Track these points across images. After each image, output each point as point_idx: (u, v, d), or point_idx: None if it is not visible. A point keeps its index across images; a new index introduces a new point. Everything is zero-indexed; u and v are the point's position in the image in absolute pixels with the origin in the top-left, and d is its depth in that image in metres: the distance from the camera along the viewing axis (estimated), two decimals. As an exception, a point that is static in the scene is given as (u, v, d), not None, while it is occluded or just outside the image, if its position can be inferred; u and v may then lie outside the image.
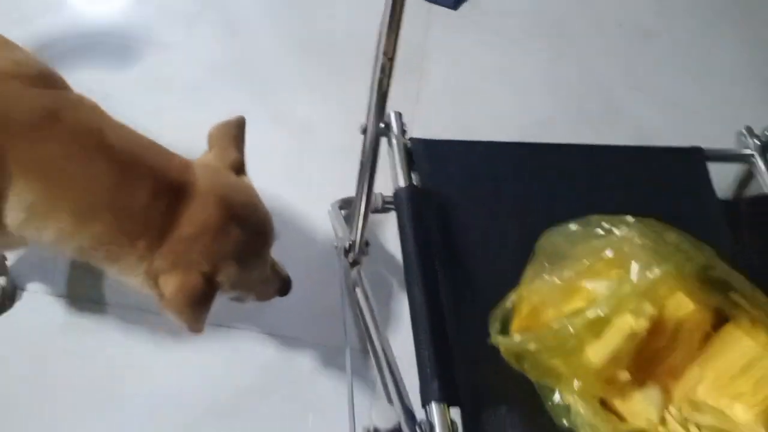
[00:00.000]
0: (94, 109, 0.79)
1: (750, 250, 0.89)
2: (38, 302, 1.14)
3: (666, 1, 1.90)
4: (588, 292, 0.67)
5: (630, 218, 0.73)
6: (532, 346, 0.69)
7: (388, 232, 1.32)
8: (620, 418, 0.69)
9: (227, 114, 0.90)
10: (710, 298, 0.73)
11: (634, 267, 0.68)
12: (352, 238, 0.99)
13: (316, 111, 1.50)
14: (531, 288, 0.71)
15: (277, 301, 1.15)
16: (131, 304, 1.14)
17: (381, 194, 0.95)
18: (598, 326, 0.67)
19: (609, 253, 0.70)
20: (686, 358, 0.74)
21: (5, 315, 1.12)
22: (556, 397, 0.70)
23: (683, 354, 0.74)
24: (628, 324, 0.67)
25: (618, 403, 0.70)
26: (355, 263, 1.00)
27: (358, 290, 0.95)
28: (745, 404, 0.70)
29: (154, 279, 0.77)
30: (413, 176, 0.82)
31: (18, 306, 1.13)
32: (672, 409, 0.70)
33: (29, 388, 1.06)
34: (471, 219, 0.80)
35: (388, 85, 0.77)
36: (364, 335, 0.92)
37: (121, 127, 0.79)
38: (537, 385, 0.71)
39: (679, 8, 1.88)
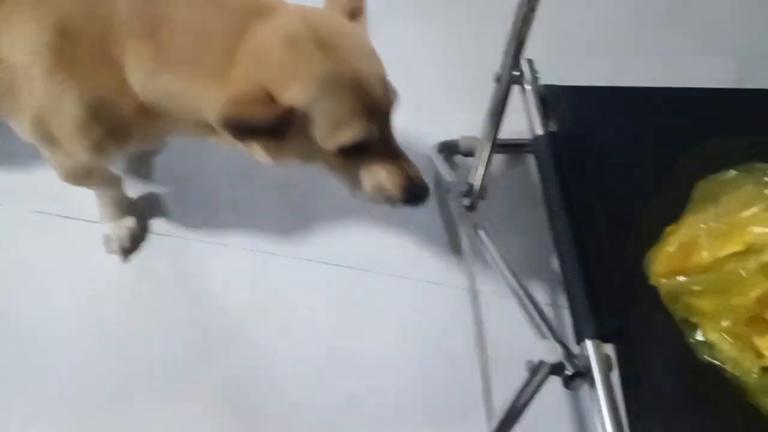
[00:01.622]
0: None
1: None
2: (163, 244, 1.22)
3: None
4: (753, 236, 0.69)
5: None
6: (696, 288, 0.72)
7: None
8: (759, 354, 0.73)
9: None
10: None
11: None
12: (472, 182, 1.02)
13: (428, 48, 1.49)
14: (688, 230, 0.73)
15: (404, 245, 1.18)
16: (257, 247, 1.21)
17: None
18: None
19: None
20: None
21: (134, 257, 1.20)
22: (699, 334, 0.74)
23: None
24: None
25: (758, 340, 0.73)
26: (472, 207, 1.03)
27: (481, 232, 0.99)
28: None
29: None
30: (550, 124, 0.84)
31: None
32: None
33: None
34: (614, 162, 0.82)
35: (526, 35, 0.78)
36: (496, 276, 0.95)
37: None
38: (680, 322, 0.74)
39: None
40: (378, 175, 0.77)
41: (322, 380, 1.09)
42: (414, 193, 0.77)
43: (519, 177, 1.39)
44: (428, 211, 1.29)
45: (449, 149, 1.28)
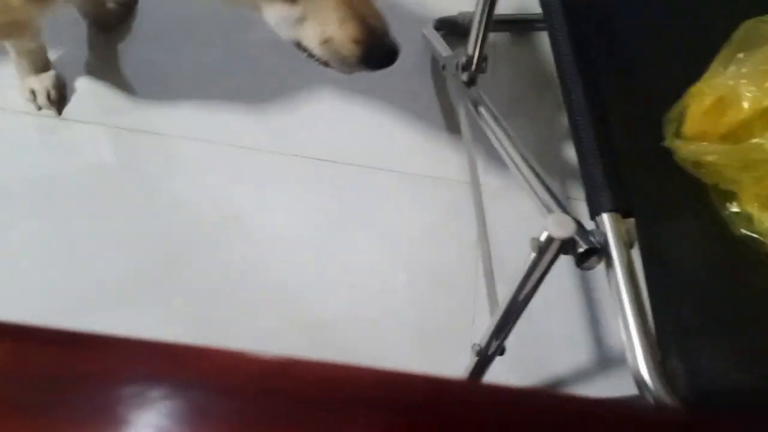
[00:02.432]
0: None
1: None
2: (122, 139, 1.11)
3: None
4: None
5: None
6: (710, 158, 0.62)
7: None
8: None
9: None
10: None
11: None
12: (469, 53, 0.90)
13: None
14: (715, 82, 0.62)
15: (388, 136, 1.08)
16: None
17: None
18: None
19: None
20: None
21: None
22: (734, 205, 0.63)
23: None
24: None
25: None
26: (471, 82, 0.91)
27: (482, 110, 0.87)
28: None
29: None
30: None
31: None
32: None
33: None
34: (636, 15, 0.69)
35: None
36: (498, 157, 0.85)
37: None
38: (713, 192, 0.64)
39: None
40: (325, 26, 0.61)
41: (302, 289, 1.01)
42: (375, 49, 0.61)
43: (527, 60, 1.27)
44: (424, 95, 1.17)
45: (448, 27, 1.15)
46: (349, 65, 0.63)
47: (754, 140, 0.57)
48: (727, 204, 0.64)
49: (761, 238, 0.62)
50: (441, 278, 1.04)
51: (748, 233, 0.62)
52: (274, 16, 0.63)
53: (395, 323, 1.01)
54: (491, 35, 0.95)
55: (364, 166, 1.09)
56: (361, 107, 1.17)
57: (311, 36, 0.62)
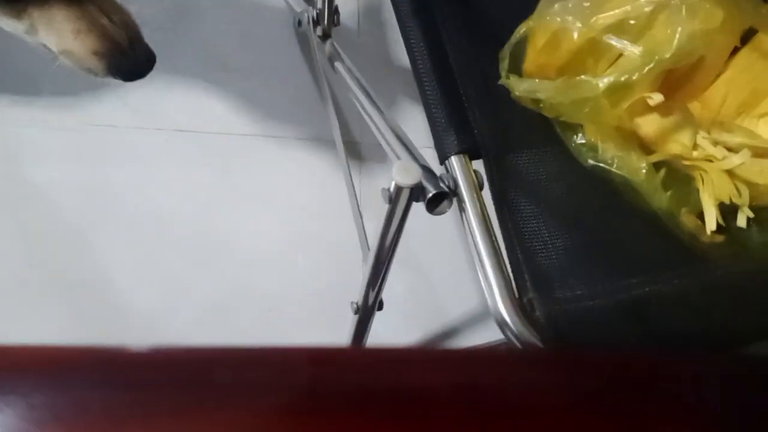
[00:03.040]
0: None
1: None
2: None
3: None
4: (622, 10, 0.57)
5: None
6: (542, 95, 0.62)
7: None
8: (649, 148, 0.65)
9: None
10: (739, 12, 0.65)
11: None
12: (319, 6, 0.86)
13: None
14: (544, 20, 0.61)
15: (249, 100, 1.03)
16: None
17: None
18: (623, 90, 0.58)
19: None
20: (711, 79, 0.68)
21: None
22: (580, 136, 0.64)
23: (708, 74, 0.68)
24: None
25: (647, 133, 0.65)
26: (326, 36, 0.88)
27: (337, 64, 0.84)
28: (771, 122, 0.67)
29: None
30: None
31: None
32: (701, 132, 0.66)
33: None
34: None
35: None
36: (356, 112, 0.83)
37: None
38: (558, 125, 0.65)
39: None
40: (60, 38, 0.55)
41: (192, 270, 0.96)
42: (120, 61, 0.57)
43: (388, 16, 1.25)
44: (294, 55, 1.13)
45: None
46: (98, 76, 0.59)
47: (580, 77, 0.58)
48: (573, 136, 0.64)
49: (607, 167, 0.63)
50: (334, 242, 1.02)
51: (595, 163, 0.63)
52: (6, 26, 0.57)
53: (293, 294, 0.98)
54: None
55: (241, 134, 1.04)
56: (226, 75, 1.11)
57: (52, 47, 0.57)
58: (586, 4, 0.58)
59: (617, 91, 0.56)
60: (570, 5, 0.58)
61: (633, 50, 0.56)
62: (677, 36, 0.55)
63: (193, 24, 1.13)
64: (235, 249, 0.99)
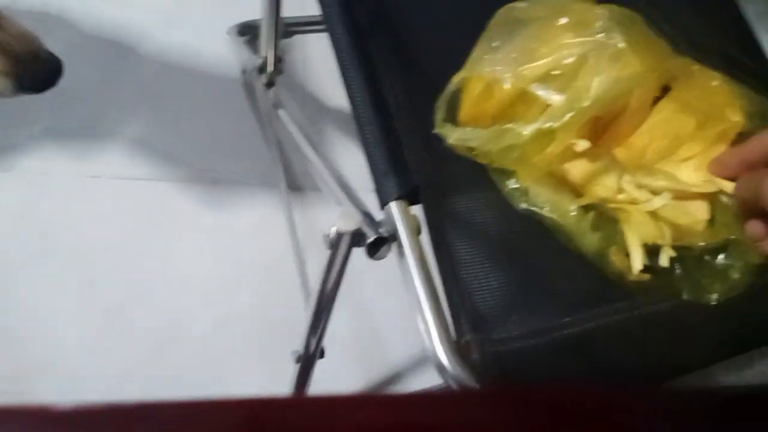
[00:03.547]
0: None
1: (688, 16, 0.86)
2: None
3: None
4: (552, 54, 0.61)
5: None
6: (473, 143, 0.64)
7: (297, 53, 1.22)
8: (578, 192, 0.68)
9: None
10: (659, 63, 0.70)
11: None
12: (263, 55, 0.88)
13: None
14: (476, 70, 0.64)
15: (194, 146, 1.04)
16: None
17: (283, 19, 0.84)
18: (548, 137, 0.62)
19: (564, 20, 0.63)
20: (634, 126, 0.72)
21: None
22: (512, 181, 0.67)
23: (631, 122, 0.72)
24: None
25: (575, 177, 0.68)
26: (271, 83, 0.89)
27: (281, 112, 0.86)
28: (693, 167, 0.71)
29: None
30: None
31: None
32: (626, 176, 0.69)
33: None
34: (412, 7, 0.71)
35: None
36: (300, 158, 0.84)
37: None
38: (492, 171, 0.67)
39: None
40: None
41: (121, 312, 0.94)
42: (27, 77, 0.55)
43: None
44: (237, 100, 1.14)
45: (252, 31, 1.13)
46: (10, 95, 0.58)
47: (507, 125, 0.61)
48: (506, 181, 0.67)
49: (539, 210, 0.66)
50: (272, 283, 1.01)
51: (528, 207, 0.66)
52: None
53: (233, 340, 0.97)
54: (302, 37, 0.94)
55: (184, 180, 1.04)
56: (168, 120, 1.11)
57: None
58: (514, 56, 0.61)
59: (541, 138, 0.59)
60: (499, 56, 0.61)
61: (556, 99, 0.60)
62: (596, 85, 0.58)
63: (132, 67, 1.13)
64: (173, 293, 0.98)
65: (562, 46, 0.61)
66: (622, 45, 0.61)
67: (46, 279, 0.93)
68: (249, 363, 0.95)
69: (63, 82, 1.10)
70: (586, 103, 0.58)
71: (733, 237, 0.65)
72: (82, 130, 1.06)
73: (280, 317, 0.98)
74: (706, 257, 0.66)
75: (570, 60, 0.62)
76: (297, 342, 0.75)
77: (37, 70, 0.58)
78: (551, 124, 0.58)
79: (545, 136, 0.59)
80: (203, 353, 0.93)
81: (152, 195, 1.02)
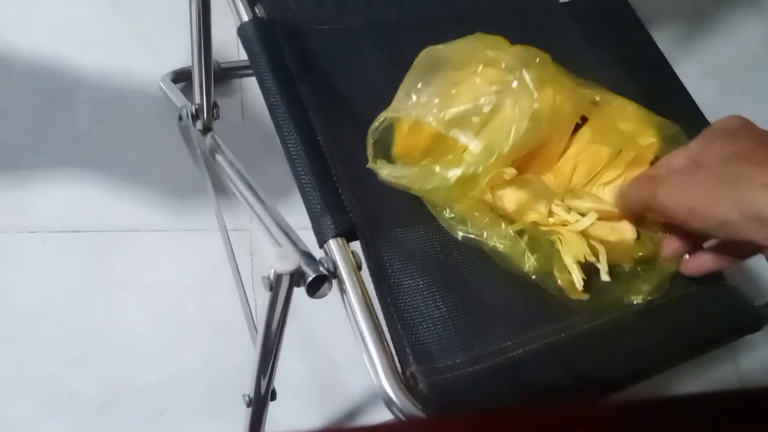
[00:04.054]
0: None
1: (597, 47, 0.91)
2: None
3: None
4: (471, 95, 0.64)
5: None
6: (402, 181, 0.66)
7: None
8: (512, 218, 0.70)
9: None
10: (572, 94, 0.74)
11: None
12: (198, 102, 0.88)
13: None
14: (404, 107, 0.67)
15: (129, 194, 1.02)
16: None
17: (217, 61, 0.85)
18: (473, 180, 0.64)
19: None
20: (559, 153, 0.76)
21: None
22: (448, 211, 0.69)
23: (556, 150, 0.75)
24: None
25: (508, 204, 0.70)
26: (206, 129, 0.90)
27: (218, 156, 0.86)
28: (613, 190, 0.75)
29: None
30: (257, 9, 0.72)
31: None
32: (555, 200, 0.72)
33: None
34: (334, 44, 0.72)
35: None
36: (237, 202, 0.84)
37: None
38: (427, 203, 0.69)
39: None
40: None
41: (62, 370, 0.91)
42: None
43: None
44: (173, 147, 1.13)
45: (185, 78, 1.13)
46: None
47: (433, 167, 0.63)
48: (443, 212, 0.68)
49: (477, 237, 0.68)
50: (222, 329, 1.00)
51: (465, 234, 0.68)
52: None
53: (183, 389, 0.95)
54: (239, 81, 0.94)
55: (123, 230, 1.02)
56: (106, 170, 1.09)
57: None
58: (436, 101, 0.63)
59: (466, 182, 0.63)
60: (422, 99, 0.64)
61: (475, 145, 0.63)
62: (514, 129, 0.61)
63: (65, 116, 1.11)
64: (118, 346, 0.95)
65: (479, 89, 0.65)
66: (532, 84, 0.64)
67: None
68: (201, 420, 0.93)
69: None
70: (505, 149, 0.62)
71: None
72: (13, 182, 1.04)
73: (229, 368, 0.96)
74: (638, 268, 0.70)
75: (486, 103, 0.65)
76: (247, 387, 0.75)
77: None
78: (474, 169, 0.61)
79: (469, 180, 0.62)
80: (150, 415, 0.91)
81: (91, 248, 1.00)
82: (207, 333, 1.00)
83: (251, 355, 0.75)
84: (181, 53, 1.23)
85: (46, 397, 0.89)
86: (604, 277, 0.69)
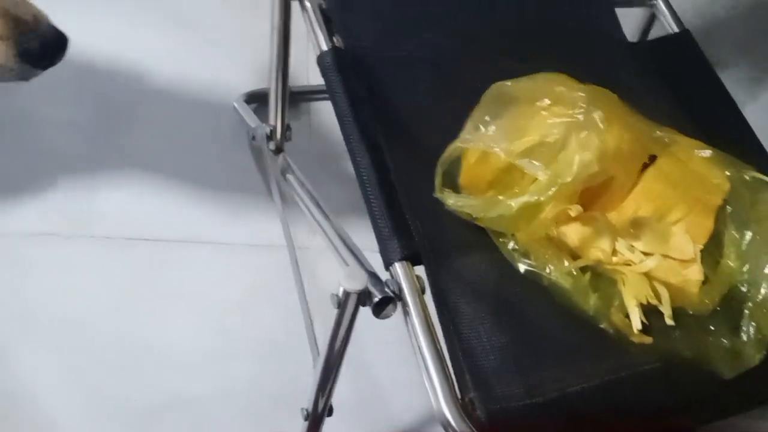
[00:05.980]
0: None
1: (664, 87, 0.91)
2: None
3: None
4: (538, 130, 0.66)
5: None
6: (468, 210, 0.68)
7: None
8: (575, 254, 0.71)
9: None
10: (640, 134, 0.74)
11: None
12: (272, 123, 0.93)
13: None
14: (474, 138, 0.69)
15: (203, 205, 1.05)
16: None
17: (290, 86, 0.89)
18: (536, 209, 0.66)
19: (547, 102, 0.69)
20: (624, 192, 0.76)
21: None
22: (512, 243, 0.70)
23: (621, 188, 0.76)
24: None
25: (571, 240, 0.71)
26: (279, 150, 0.94)
27: (290, 177, 0.90)
28: (680, 229, 0.74)
29: None
30: (335, 39, 0.76)
31: None
32: (619, 239, 0.73)
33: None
34: (399, 73, 0.76)
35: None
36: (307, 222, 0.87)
37: None
38: (492, 233, 0.70)
39: None
40: None
41: (117, 379, 0.94)
42: (30, 41, 0.50)
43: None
44: (243, 165, 1.18)
45: (258, 99, 1.18)
46: (10, 70, 0.52)
47: (497, 197, 0.65)
48: (506, 243, 0.70)
49: (539, 271, 0.68)
50: (271, 345, 1.02)
51: (527, 267, 0.69)
52: None
53: (227, 400, 0.97)
54: (307, 104, 0.98)
55: (177, 241, 1.06)
56: (176, 182, 1.14)
57: None
58: (504, 131, 0.66)
59: (529, 209, 0.64)
60: (491, 131, 0.66)
61: (541, 175, 0.64)
62: (577, 162, 0.63)
63: (131, 131, 1.16)
64: (166, 357, 0.98)
65: (546, 124, 0.66)
66: (601, 122, 0.66)
67: (35, 350, 0.92)
68: (257, 426, 0.95)
69: (58, 147, 1.12)
70: (568, 179, 0.63)
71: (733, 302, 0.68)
72: (80, 191, 1.09)
73: (275, 384, 0.98)
74: (711, 326, 0.67)
75: (554, 137, 0.67)
76: (299, 404, 0.75)
77: (39, 37, 0.52)
78: (537, 197, 0.63)
79: (533, 207, 0.64)
80: (194, 429, 0.93)
81: (146, 257, 1.04)
82: (253, 348, 1.02)
83: (298, 371, 0.77)
84: (241, 74, 1.27)
85: (92, 404, 0.90)
86: (668, 321, 0.69)
